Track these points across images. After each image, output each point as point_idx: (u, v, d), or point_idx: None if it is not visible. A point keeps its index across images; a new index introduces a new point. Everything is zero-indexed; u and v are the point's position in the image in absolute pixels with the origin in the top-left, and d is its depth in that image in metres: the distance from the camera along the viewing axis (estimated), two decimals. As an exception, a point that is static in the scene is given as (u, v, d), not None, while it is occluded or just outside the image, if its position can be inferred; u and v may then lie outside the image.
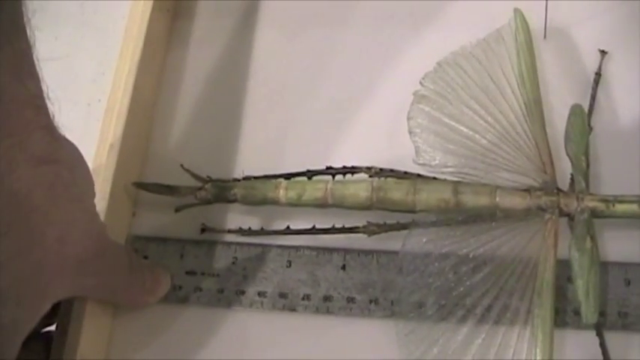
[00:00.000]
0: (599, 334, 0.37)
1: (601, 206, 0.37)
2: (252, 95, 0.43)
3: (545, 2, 0.43)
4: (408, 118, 0.40)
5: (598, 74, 0.42)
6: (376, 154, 0.40)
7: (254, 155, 0.41)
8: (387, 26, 0.44)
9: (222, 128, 0.42)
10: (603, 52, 0.42)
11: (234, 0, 0.45)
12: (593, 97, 0.41)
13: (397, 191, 0.37)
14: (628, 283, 0.38)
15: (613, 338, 0.38)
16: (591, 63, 0.43)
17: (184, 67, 0.44)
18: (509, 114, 0.39)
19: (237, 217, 0.40)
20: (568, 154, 0.38)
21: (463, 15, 0.44)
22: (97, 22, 0.45)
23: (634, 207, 0.37)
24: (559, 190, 0.37)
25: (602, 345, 0.37)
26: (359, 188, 0.37)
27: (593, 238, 0.36)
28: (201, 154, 0.42)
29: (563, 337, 0.38)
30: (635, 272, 0.38)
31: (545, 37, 0.43)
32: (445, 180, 0.37)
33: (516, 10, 0.41)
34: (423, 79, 0.41)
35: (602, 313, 0.38)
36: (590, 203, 0.37)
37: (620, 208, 0.37)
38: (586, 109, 0.40)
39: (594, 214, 0.37)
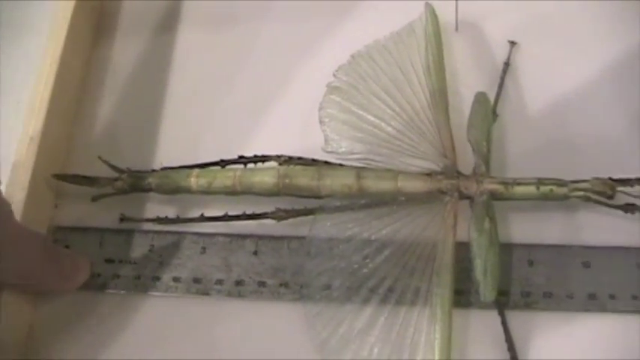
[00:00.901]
0: (501, 313, 0.38)
1: (500, 188, 0.38)
2: (174, 90, 0.44)
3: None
4: (320, 109, 0.41)
5: (506, 64, 0.43)
6: (291, 144, 0.42)
7: (173, 148, 0.43)
8: (305, 22, 0.46)
9: (143, 122, 0.44)
10: (512, 43, 0.44)
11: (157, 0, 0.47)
12: (500, 86, 0.42)
13: (302, 177, 0.38)
14: (531, 263, 0.40)
15: (516, 317, 0.39)
16: (501, 54, 0.44)
17: (109, 63, 0.45)
18: (415, 102, 0.40)
19: (155, 207, 0.41)
20: (469, 140, 0.39)
21: (381, 10, 0.45)
22: (23, 19, 0.47)
23: (531, 189, 0.38)
24: (459, 173, 0.39)
25: (504, 323, 0.38)
26: (266, 175, 0.39)
27: (492, 219, 0.38)
28: (123, 147, 0.43)
29: (468, 317, 0.39)
30: (538, 253, 0.40)
31: (456, 29, 0.44)
32: (349, 166, 0.39)
33: (427, 5, 0.43)
34: (337, 71, 0.42)
35: (505, 293, 0.39)
36: (489, 186, 0.38)
37: (518, 190, 0.38)
38: (495, 98, 0.41)
39: (494, 196, 0.38)
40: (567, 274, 0.39)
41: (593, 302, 0.39)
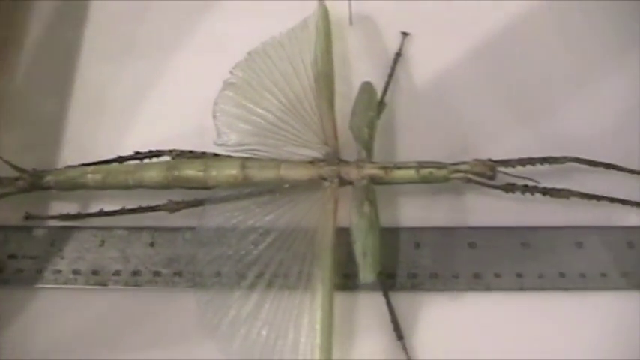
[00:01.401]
0: (385, 294, 0.39)
1: (380, 173, 0.39)
2: (78, 91, 0.46)
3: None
4: (214, 104, 0.42)
5: (398, 54, 0.45)
6: (190, 140, 0.43)
7: (78, 148, 0.44)
8: (204, 20, 0.47)
9: (49, 123, 0.45)
10: (405, 34, 0.45)
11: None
12: (390, 76, 0.44)
13: (190, 170, 0.40)
14: (418, 245, 0.41)
15: (403, 298, 0.40)
16: (395, 46, 0.45)
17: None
18: (301, 94, 0.41)
19: (58, 204, 0.43)
20: (351, 127, 0.40)
21: (281, 8, 0.47)
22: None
23: (411, 172, 0.39)
24: (341, 160, 0.40)
25: (389, 304, 0.39)
26: (154, 169, 0.40)
27: (372, 203, 0.39)
28: (30, 148, 0.45)
29: (356, 299, 0.40)
30: (425, 236, 0.41)
31: (351, 23, 0.46)
32: (235, 157, 0.40)
33: (321, 2, 0.44)
34: (234, 68, 0.44)
35: (392, 275, 0.40)
36: (369, 171, 0.39)
37: (398, 174, 0.39)
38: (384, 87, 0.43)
39: (375, 181, 0.40)
40: (453, 255, 0.40)
41: (478, 281, 0.40)
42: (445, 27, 0.46)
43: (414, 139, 0.43)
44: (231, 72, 0.43)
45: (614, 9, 0.45)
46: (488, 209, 0.42)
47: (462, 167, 0.39)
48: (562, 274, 0.40)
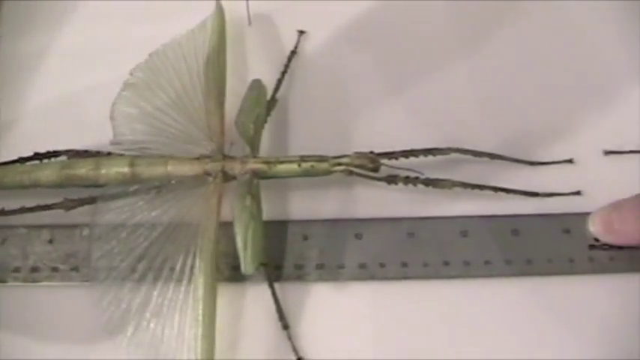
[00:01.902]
0: (270, 285, 0.40)
1: (264, 167, 0.41)
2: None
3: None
4: (112, 104, 0.44)
5: (293, 52, 0.46)
6: (91, 139, 0.44)
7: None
8: (107, 24, 0.48)
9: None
10: (301, 32, 0.46)
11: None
12: (283, 73, 0.45)
13: (82, 168, 0.41)
14: (305, 238, 0.42)
15: (290, 288, 0.41)
16: (292, 44, 0.46)
17: None
18: (191, 93, 0.43)
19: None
20: (236, 124, 0.41)
21: (183, 9, 0.48)
22: None
23: (294, 166, 0.41)
24: (225, 156, 0.41)
25: (274, 294, 0.40)
26: (49, 168, 0.42)
27: (254, 197, 0.40)
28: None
29: (245, 291, 0.41)
30: (313, 228, 0.42)
31: (249, 23, 0.47)
32: (125, 155, 0.41)
33: (217, 2, 0.45)
34: (134, 69, 0.45)
35: (279, 266, 0.41)
36: (252, 166, 0.41)
37: (281, 167, 0.41)
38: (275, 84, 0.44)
39: (259, 175, 0.41)
40: (340, 247, 0.41)
41: (363, 271, 0.41)
42: (340, 25, 0.47)
43: (309, 134, 0.44)
44: (131, 73, 0.45)
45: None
46: (375, 201, 0.42)
47: (344, 160, 0.40)
48: (446, 263, 0.41)
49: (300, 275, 0.41)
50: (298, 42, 0.46)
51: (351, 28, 0.47)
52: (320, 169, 0.40)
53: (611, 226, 0.41)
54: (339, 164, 0.40)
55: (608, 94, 0.46)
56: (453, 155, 0.42)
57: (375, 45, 0.46)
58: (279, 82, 0.44)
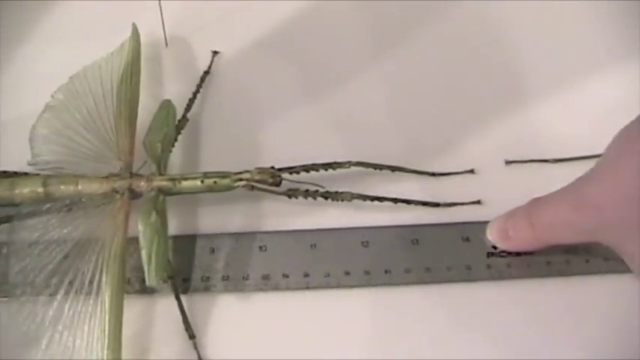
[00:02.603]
0: (177, 297, 0.42)
1: (169, 184, 0.42)
2: None
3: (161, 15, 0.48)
4: (32, 127, 0.46)
5: (206, 72, 0.48)
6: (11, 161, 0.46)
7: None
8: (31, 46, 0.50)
9: None
10: (215, 53, 0.48)
11: None
12: (195, 93, 0.47)
13: (-3, 189, 0.43)
14: (212, 251, 0.43)
15: (197, 300, 0.43)
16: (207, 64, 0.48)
17: None
18: (104, 114, 0.45)
19: None
20: (144, 143, 0.43)
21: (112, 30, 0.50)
22: None
23: (197, 182, 0.42)
24: (133, 174, 0.43)
25: (180, 306, 0.42)
26: (-36, 188, 0.44)
27: (159, 213, 0.42)
28: None
29: (154, 303, 0.43)
30: (219, 241, 0.44)
31: (166, 45, 0.49)
32: (39, 175, 0.43)
33: (133, 25, 0.47)
34: (55, 91, 0.47)
35: (187, 279, 0.43)
36: (158, 183, 0.42)
37: (185, 184, 0.42)
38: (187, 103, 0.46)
39: (165, 192, 0.42)
40: (245, 259, 0.43)
41: (267, 282, 0.43)
42: (254, 43, 0.48)
43: (220, 151, 0.46)
44: (52, 96, 0.47)
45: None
46: (279, 214, 0.44)
47: (245, 175, 0.42)
48: (347, 273, 0.43)
49: (206, 287, 0.43)
50: (212, 62, 0.48)
51: (264, 45, 0.48)
52: (223, 185, 0.42)
53: (506, 234, 0.42)
54: (241, 179, 0.42)
55: (511, 105, 0.47)
56: (357, 169, 0.44)
57: (286, 63, 0.48)
58: (191, 101, 0.46)
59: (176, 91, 0.47)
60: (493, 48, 0.49)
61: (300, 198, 0.43)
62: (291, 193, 0.43)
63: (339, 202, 0.43)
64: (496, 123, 0.46)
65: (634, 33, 0.45)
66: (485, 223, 0.44)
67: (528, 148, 0.46)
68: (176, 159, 0.46)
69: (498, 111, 0.47)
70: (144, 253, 0.41)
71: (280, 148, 0.46)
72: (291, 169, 0.43)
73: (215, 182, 0.42)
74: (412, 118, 0.47)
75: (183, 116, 0.45)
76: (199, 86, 0.47)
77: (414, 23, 0.50)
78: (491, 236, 0.43)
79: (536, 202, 0.41)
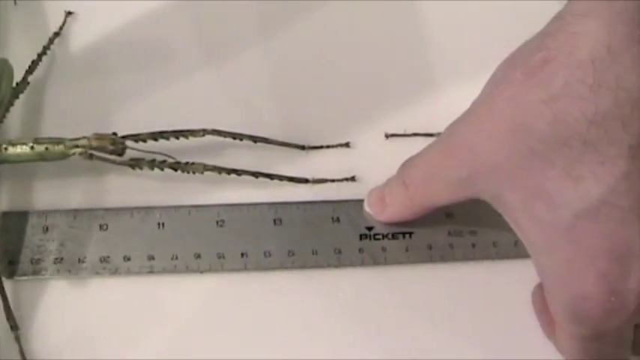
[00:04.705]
0: (-2, 283, 0.36)
1: (-7, 151, 0.37)
2: None
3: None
4: None
5: (56, 33, 0.43)
6: None
7: None
8: None
9: None
10: (69, 13, 0.43)
11: None
12: (40, 54, 0.41)
13: None
14: (46, 230, 0.38)
15: (25, 286, 0.37)
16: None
17: None
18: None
19: None
20: (-28, 105, 0.38)
21: None
22: None
23: (27, 149, 0.37)
24: (-46, 139, 0.37)
25: (2, 293, 0.36)
26: None
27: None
28: None
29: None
30: (54, 219, 0.38)
31: (15, 3, 0.44)
32: None
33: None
34: None
35: (14, 261, 0.37)
36: (-19, 149, 0.37)
37: (12, 151, 0.37)
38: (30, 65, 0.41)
39: (-10, 159, 0.37)
40: (82, 239, 0.38)
41: (105, 265, 0.37)
42: (108, 4, 0.43)
43: (68, 121, 0.41)
44: None
45: None
46: (126, 190, 0.39)
47: (81, 142, 0.37)
48: (198, 256, 0.37)
49: (36, 270, 0.37)
50: (64, 23, 0.43)
51: (123, 8, 0.43)
52: (56, 152, 0.37)
53: (383, 202, 0.37)
54: (77, 146, 0.37)
55: (394, 80, 0.42)
56: (217, 140, 0.39)
57: (146, 29, 0.43)
58: (34, 63, 0.41)
59: (24, 53, 0.41)
60: (378, 22, 0.44)
61: (146, 169, 0.37)
62: (135, 163, 0.37)
63: (192, 176, 0.38)
64: (378, 98, 0.41)
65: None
66: (359, 201, 0.39)
67: (409, 123, 0.40)
68: (15, 126, 0.40)
69: (380, 87, 0.42)
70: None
71: (135, 120, 0.40)
72: (136, 137, 0.37)
73: (47, 149, 0.37)
74: (296, 93, 0.42)
75: (24, 79, 0.40)
76: (46, 48, 0.42)
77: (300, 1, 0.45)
78: (370, 208, 0.38)
79: (409, 159, 0.36)
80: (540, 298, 0.35)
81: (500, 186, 0.31)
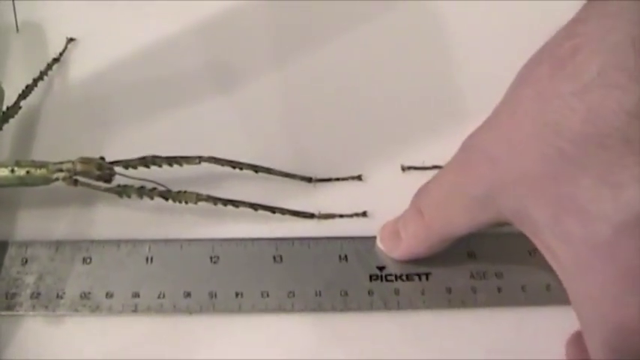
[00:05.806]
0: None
1: (-27, 175, 0.34)
2: None
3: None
4: None
5: (55, 59, 0.41)
6: None
7: None
8: None
9: None
10: (70, 40, 0.41)
11: None
12: (35, 80, 0.39)
13: None
14: (24, 262, 0.35)
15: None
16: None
17: None
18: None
19: None
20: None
21: None
22: None
23: (6, 172, 0.34)
24: None
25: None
26: None
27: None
28: None
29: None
30: (35, 250, 0.36)
31: (17, 30, 0.42)
32: None
33: (-22, 6, 0.41)
34: None
35: (-14, 296, 0.34)
36: (-42, 173, 0.34)
37: (-8, 175, 0.34)
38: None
39: (-31, 183, 0.34)
40: (63, 273, 0.34)
41: (85, 302, 0.34)
42: (111, 31, 0.41)
43: (60, 145, 0.38)
44: None
45: None
46: (115, 221, 0.36)
47: (65, 166, 0.34)
48: (188, 294, 0.34)
49: (10, 305, 0.34)
50: (64, 50, 0.40)
51: (122, 32, 0.41)
52: (37, 177, 0.34)
53: (397, 236, 0.33)
54: (61, 170, 0.34)
55: (411, 109, 0.39)
56: (215, 170, 0.35)
57: (148, 57, 0.41)
58: (29, 88, 0.39)
59: (22, 79, 0.39)
60: (394, 51, 0.41)
61: (134, 197, 0.34)
62: (122, 190, 0.34)
63: (185, 207, 0.34)
64: (394, 129, 0.38)
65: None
66: (371, 238, 0.35)
67: (428, 155, 0.37)
68: (4, 152, 0.37)
69: (397, 117, 0.38)
70: None
71: (132, 150, 0.37)
72: (125, 163, 0.34)
73: (28, 172, 0.34)
74: (309, 123, 0.38)
75: (15, 103, 0.38)
76: (43, 73, 0.39)
77: (314, 28, 0.42)
78: (382, 243, 0.34)
79: (423, 185, 0.32)
80: (577, 348, 0.30)
81: (524, 200, 0.27)
